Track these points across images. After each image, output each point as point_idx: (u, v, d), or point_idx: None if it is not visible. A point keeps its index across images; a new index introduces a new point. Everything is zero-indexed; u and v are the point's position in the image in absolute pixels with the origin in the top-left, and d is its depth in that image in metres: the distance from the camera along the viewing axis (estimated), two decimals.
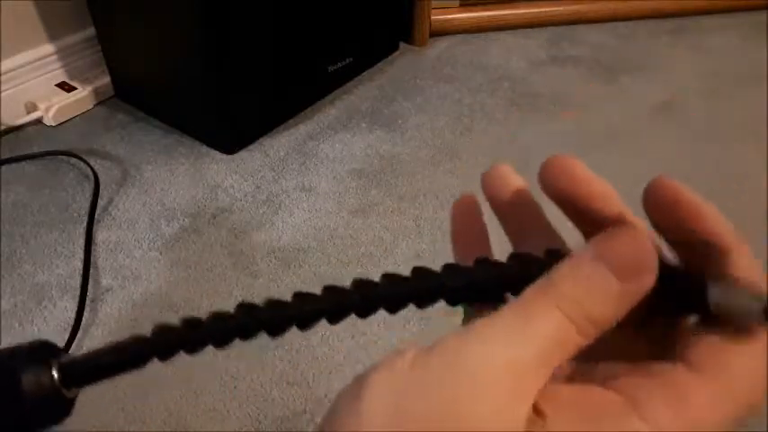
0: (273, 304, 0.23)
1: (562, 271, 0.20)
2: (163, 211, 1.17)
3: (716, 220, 0.21)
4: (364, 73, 1.51)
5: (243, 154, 1.29)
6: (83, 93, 1.38)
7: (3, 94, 1.31)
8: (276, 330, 0.23)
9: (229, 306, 0.24)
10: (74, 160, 1.27)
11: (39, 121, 1.36)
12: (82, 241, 1.10)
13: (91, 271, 1.05)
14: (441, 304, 0.24)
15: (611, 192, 0.23)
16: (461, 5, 1.66)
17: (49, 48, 1.36)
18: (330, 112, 1.40)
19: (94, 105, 1.41)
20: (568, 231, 0.26)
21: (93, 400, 0.87)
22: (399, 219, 1.15)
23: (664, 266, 0.20)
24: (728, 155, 1.30)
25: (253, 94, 1.27)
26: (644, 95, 1.46)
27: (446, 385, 0.18)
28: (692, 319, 0.21)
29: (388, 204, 1.18)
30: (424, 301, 0.23)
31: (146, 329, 0.24)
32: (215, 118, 1.27)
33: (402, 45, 1.61)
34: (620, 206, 0.23)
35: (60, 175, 1.25)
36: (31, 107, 1.35)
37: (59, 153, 1.28)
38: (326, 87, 1.44)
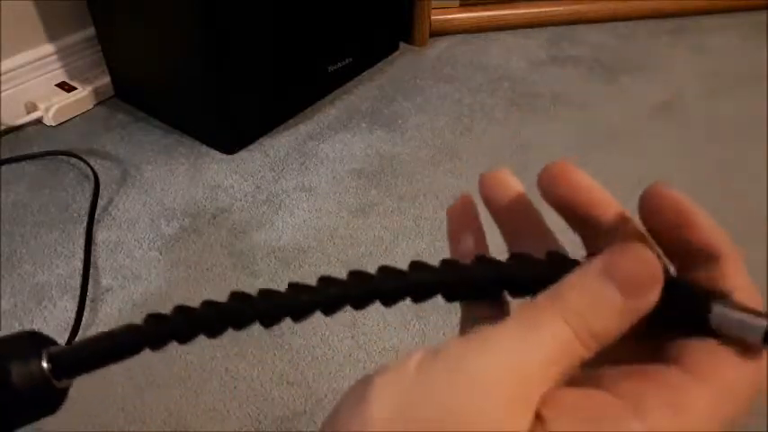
0: (267, 294, 0.23)
1: (569, 283, 0.20)
2: (163, 211, 1.17)
3: (711, 228, 0.21)
4: (364, 73, 1.51)
5: (243, 154, 1.29)
6: (83, 93, 1.38)
7: (3, 94, 1.31)
8: (270, 320, 0.23)
9: None
10: (74, 160, 1.27)
11: (39, 121, 1.36)
12: (82, 241, 1.10)
13: (91, 271, 1.05)
14: (439, 301, 0.24)
15: (611, 199, 0.24)
16: (461, 5, 1.66)
17: (49, 48, 1.36)
18: (330, 112, 1.40)
19: (94, 105, 1.41)
20: (565, 235, 0.26)
21: (93, 400, 0.88)
22: (399, 219, 1.15)
23: (669, 283, 0.21)
24: (728, 155, 1.30)
25: (253, 94, 1.27)
26: (644, 95, 1.46)
27: (450, 390, 0.18)
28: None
29: (388, 204, 1.18)
30: (420, 296, 0.23)
31: None
32: (215, 118, 1.27)
33: (402, 45, 1.61)
34: (621, 214, 0.24)
35: (60, 175, 1.25)
36: (31, 107, 1.35)
37: (59, 153, 1.28)
38: (326, 87, 1.44)
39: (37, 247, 1.10)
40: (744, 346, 0.20)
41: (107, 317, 0.99)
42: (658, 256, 0.21)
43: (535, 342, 0.19)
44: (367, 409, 0.19)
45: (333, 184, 1.22)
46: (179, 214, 1.16)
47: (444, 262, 0.23)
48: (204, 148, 1.30)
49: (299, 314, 0.23)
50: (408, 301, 0.23)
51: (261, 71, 1.26)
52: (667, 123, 1.39)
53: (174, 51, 1.25)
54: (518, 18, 1.68)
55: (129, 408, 0.88)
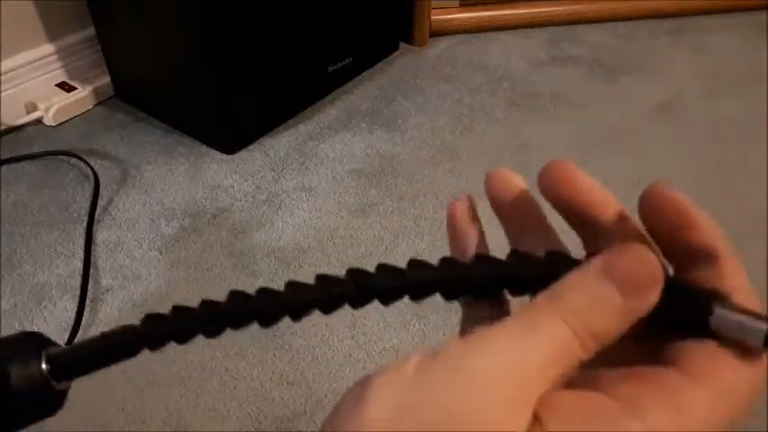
0: (266, 293, 0.23)
1: (568, 283, 0.20)
2: (163, 211, 1.17)
3: (710, 229, 0.22)
4: (364, 73, 1.51)
5: (243, 154, 1.29)
6: (83, 93, 1.38)
7: (3, 94, 1.31)
8: (268, 320, 0.23)
9: None
10: (74, 160, 1.27)
11: (39, 121, 1.36)
12: (82, 241, 1.10)
13: (91, 271, 1.05)
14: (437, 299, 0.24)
15: (611, 199, 0.24)
16: (461, 5, 1.66)
17: (49, 48, 1.36)
18: (330, 112, 1.40)
19: (94, 105, 1.41)
20: (567, 234, 0.26)
21: (93, 400, 0.88)
22: (399, 219, 1.15)
23: (669, 283, 0.20)
24: (728, 155, 1.30)
25: (253, 94, 1.27)
26: (644, 95, 1.46)
27: (449, 390, 0.18)
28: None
29: (388, 204, 1.18)
30: (419, 294, 0.23)
31: None
32: (215, 118, 1.27)
33: (402, 45, 1.61)
34: (621, 214, 0.24)
35: (60, 175, 1.25)
36: (31, 107, 1.35)
37: (59, 153, 1.28)
38: (326, 87, 1.44)
39: (37, 247, 1.10)
40: (743, 349, 0.20)
41: (107, 317, 0.99)
42: (658, 257, 0.21)
43: (533, 343, 0.19)
44: (366, 410, 0.19)
45: (333, 184, 1.22)
46: (179, 214, 1.16)
47: (443, 260, 0.23)
48: (204, 148, 1.30)
49: (298, 313, 0.23)
50: (408, 300, 0.23)
51: (261, 71, 1.26)
52: (667, 123, 1.39)
53: (174, 51, 1.25)
54: (518, 18, 1.68)
55: (129, 408, 0.88)
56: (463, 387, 0.18)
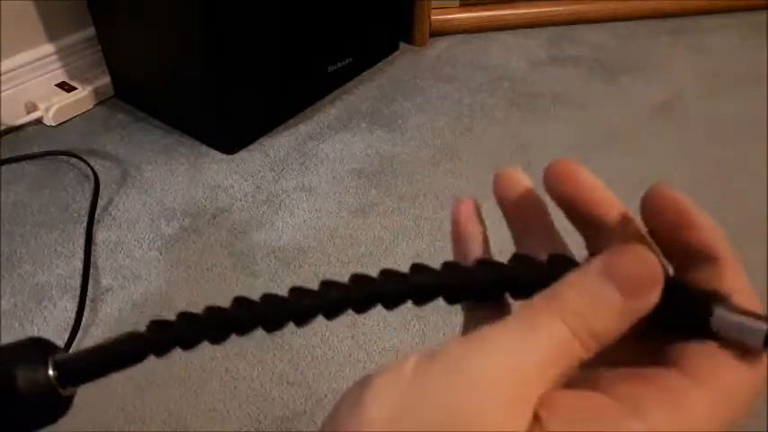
0: (270, 299, 0.23)
1: (568, 283, 0.20)
2: (163, 211, 1.17)
3: (711, 230, 0.22)
4: (364, 73, 1.51)
5: (243, 154, 1.29)
6: (83, 93, 1.38)
7: (3, 94, 1.31)
8: (273, 326, 0.23)
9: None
10: (74, 160, 1.27)
11: (39, 121, 1.36)
12: (82, 241, 1.10)
13: (91, 271, 1.05)
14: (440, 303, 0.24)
15: (614, 199, 0.24)
16: (461, 5, 1.66)
17: (49, 48, 1.36)
18: (330, 112, 1.40)
19: (94, 105, 1.41)
20: (572, 235, 0.26)
21: (92, 400, 0.87)
22: (399, 219, 1.15)
23: (670, 284, 0.20)
24: (728, 155, 1.30)
25: (253, 94, 1.27)
26: (644, 95, 1.46)
27: (448, 390, 0.18)
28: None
29: (388, 204, 1.18)
30: (422, 299, 0.23)
31: None
32: (215, 118, 1.27)
33: (402, 45, 1.61)
34: (623, 214, 0.24)
35: (60, 175, 1.25)
36: (31, 107, 1.35)
37: (59, 153, 1.28)
38: (326, 87, 1.44)
39: (37, 247, 1.10)
40: (743, 350, 0.20)
41: (107, 317, 0.99)
42: (658, 257, 0.21)
43: (533, 342, 0.19)
44: (365, 410, 0.19)
45: (333, 184, 1.22)
46: (179, 214, 1.16)
47: (446, 264, 0.24)
48: (204, 148, 1.30)
49: (302, 319, 0.23)
50: (410, 303, 0.23)
51: (261, 71, 1.26)
52: (667, 123, 1.39)
53: (174, 51, 1.25)
54: (518, 18, 1.68)
55: (129, 408, 0.88)
56: (463, 387, 0.18)
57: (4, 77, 1.30)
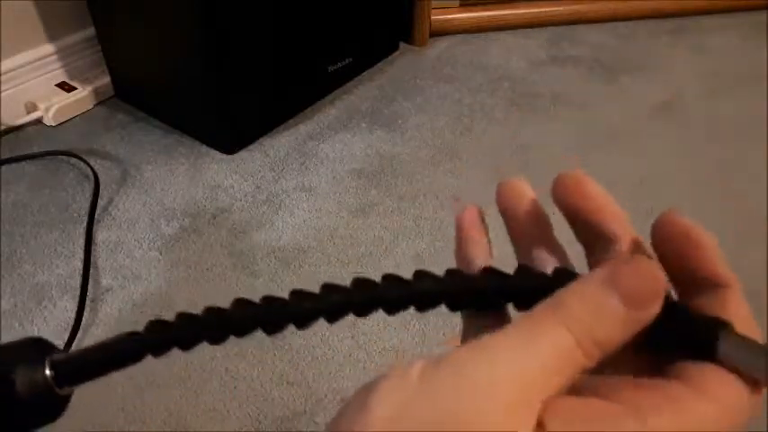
0: (271, 301, 0.23)
1: (572, 291, 0.20)
2: (163, 211, 1.17)
3: (719, 259, 0.22)
4: (364, 73, 1.51)
5: (243, 154, 1.29)
6: (83, 93, 1.38)
7: (3, 94, 1.31)
8: (273, 328, 0.23)
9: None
10: (74, 160, 1.27)
11: (39, 121, 1.36)
12: (82, 241, 1.10)
13: (91, 271, 1.05)
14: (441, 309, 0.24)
15: (618, 210, 0.24)
16: (461, 5, 1.66)
17: (49, 48, 1.36)
18: (330, 112, 1.40)
19: (94, 105, 1.41)
20: (572, 246, 0.26)
21: (92, 400, 0.87)
22: (399, 219, 1.15)
23: (677, 306, 0.21)
24: (728, 155, 1.30)
25: (253, 94, 1.27)
26: (644, 95, 1.47)
27: (453, 393, 0.19)
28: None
29: (388, 204, 1.18)
30: (424, 305, 0.23)
31: None
32: (215, 118, 1.27)
33: (402, 45, 1.61)
34: (626, 225, 0.24)
35: (60, 175, 1.25)
36: (31, 107, 1.35)
37: (59, 153, 1.28)
38: (326, 87, 1.44)
39: (37, 247, 1.10)
40: (745, 378, 0.20)
41: (107, 317, 0.99)
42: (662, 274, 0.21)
43: (536, 350, 0.19)
44: (370, 411, 0.19)
45: (333, 184, 1.22)
46: (179, 214, 1.16)
47: (449, 272, 0.24)
48: (204, 148, 1.30)
49: (303, 322, 0.23)
50: (411, 308, 0.23)
51: (261, 71, 1.26)
52: (667, 123, 1.39)
53: (174, 51, 1.25)
54: (518, 18, 1.68)
55: (129, 408, 0.88)
56: (466, 390, 0.19)
57: (4, 77, 1.30)
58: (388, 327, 0.97)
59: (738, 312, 0.21)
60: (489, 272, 0.24)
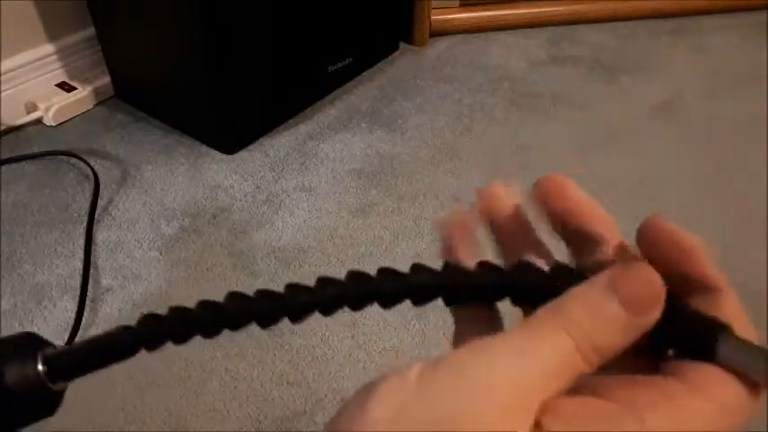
0: (265, 294, 0.23)
1: (573, 296, 0.21)
2: (163, 211, 1.17)
3: (708, 261, 0.22)
4: (364, 73, 1.51)
5: (243, 154, 1.29)
6: (83, 93, 1.38)
7: (3, 94, 1.31)
8: (267, 321, 0.23)
9: None
10: (74, 160, 1.27)
11: (39, 121, 1.36)
12: (82, 241, 1.10)
13: (91, 271, 1.05)
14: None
15: (603, 213, 0.24)
16: (461, 5, 1.66)
17: (49, 48, 1.36)
18: (330, 112, 1.40)
19: (94, 105, 1.41)
20: (555, 248, 0.26)
21: (93, 400, 0.88)
22: (399, 219, 1.15)
23: (677, 308, 0.21)
24: (728, 155, 1.30)
25: (253, 94, 1.27)
26: (644, 95, 1.47)
27: (451, 395, 0.19)
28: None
29: (388, 204, 1.18)
30: (420, 298, 0.23)
31: None
32: (215, 118, 1.27)
33: (402, 45, 1.61)
34: (612, 227, 0.24)
35: (60, 175, 1.25)
36: (31, 107, 1.35)
37: (59, 153, 1.28)
38: (326, 87, 1.44)
39: (37, 247, 1.10)
40: (744, 380, 0.20)
41: (107, 317, 0.99)
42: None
43: (536, 353, 0.19)
44: (368, 412, 0.19)
45: (333, 184, 1.22)
46: (179, 214, 1.16)
47: (446, 265, 0.23)
48: (204, 148, 1.30)
49: (297, 315, 0.23)
50: (408, 302, 0.23)
51: (261, 71, 1.26)
52: (667, 123, 1.39)
53: (174, 51, 1.25)
54: (518, 18, 1.68)
55: (129, 408, 0.88)
56: (464, 392, 0.19)
57: (4, 77, 1.30)
58: (388, 327, 0.97)
59: (734, 314, 0.21)
60: (486, 266, 0.23)
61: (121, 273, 1.06)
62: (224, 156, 1.29)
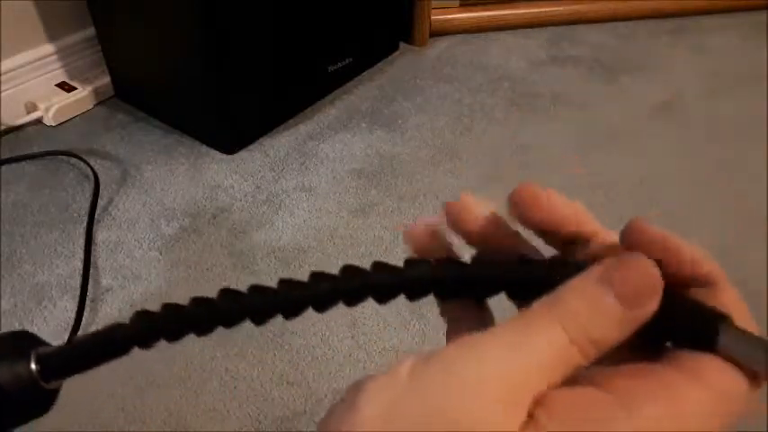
0: (259, 291, 0.22)
1: (569, 289, 0.20)
2: (163, 211, 1.17)
3: (697, 256, 0.22)
4: (364, 73, 1.51)
5: (243, 154, 1.29)
6: (83, 93, 1.38)
7: (3, 94, 1.31)
8: (261, 317, 0.22)
9: None
10: (74, 160, 1.27)
11: (39, 121, 1.36)
12: (82, 241, 1.10)
13: (91, 271, 1.05)
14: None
15: (582, 212, 0.24)
16: (461, 5, 1.66)
17: (49, 48, 1.36)
18: (330, 112, 1.40)
19: (94, 105, 1.41)
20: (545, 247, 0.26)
21: (93, 401, 0.88)
22: (399, 219, 1.15)
23: (676, 299, 0.21)
24: (728, 155, 1.30)
25: (253, 94, 1.27)
26: (644, 95, 1.46)
27: (442, 391, 0.19)
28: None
29: (388, 204, 1.18)
30: (415, 293, 0.23)
31: None
32: (215, 118, 1.27)
33: (402, 45, 1.61)
34: (598, 226, 0.24)
35: (60, 175, 1.25)
36: (31, 107, 1.35)
37: (59, 153, 1.28)
38: (326, 87, 1.44)
39: (37, 247, 1.10)
40: (744, 370, 0.20)
41: (107, 317, 0.99)
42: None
43: (532, 347, 0.19)
44: (359, 410, 0.19)
45: (333, 184, 1.22)
46: (179, 214, 1.16)
47: (440, 260, 0.23)
48: (204, 148, 1.30)
49: (291, 310, 0.22)
50: (406, 300, 0.23)
51: (261, 71, 1.26)
52: (667, 123, 1.39)
53: (174, 51, 1.25)
54: (518, 18, 1.68)
55: (129, 408, 0.88)
56: (456, 388, 0.19)
57: (4, 77, 1.30)
58: (388, 327, 0.97)
59: (733, 305, 0.21)
60: (481, 260, 0.23)
61: (121, 273, 1.06)
62: (224, 156, 1.29)
